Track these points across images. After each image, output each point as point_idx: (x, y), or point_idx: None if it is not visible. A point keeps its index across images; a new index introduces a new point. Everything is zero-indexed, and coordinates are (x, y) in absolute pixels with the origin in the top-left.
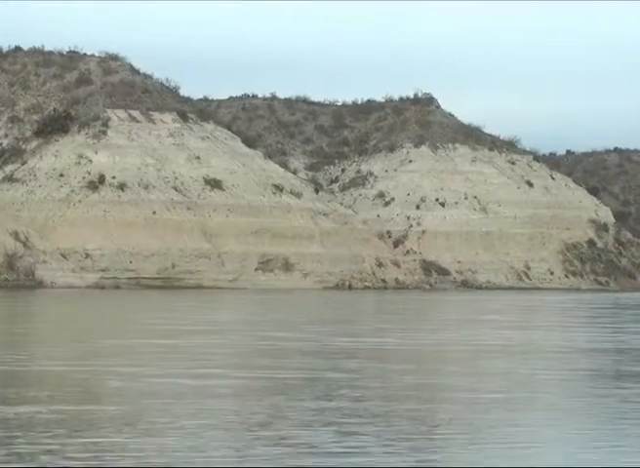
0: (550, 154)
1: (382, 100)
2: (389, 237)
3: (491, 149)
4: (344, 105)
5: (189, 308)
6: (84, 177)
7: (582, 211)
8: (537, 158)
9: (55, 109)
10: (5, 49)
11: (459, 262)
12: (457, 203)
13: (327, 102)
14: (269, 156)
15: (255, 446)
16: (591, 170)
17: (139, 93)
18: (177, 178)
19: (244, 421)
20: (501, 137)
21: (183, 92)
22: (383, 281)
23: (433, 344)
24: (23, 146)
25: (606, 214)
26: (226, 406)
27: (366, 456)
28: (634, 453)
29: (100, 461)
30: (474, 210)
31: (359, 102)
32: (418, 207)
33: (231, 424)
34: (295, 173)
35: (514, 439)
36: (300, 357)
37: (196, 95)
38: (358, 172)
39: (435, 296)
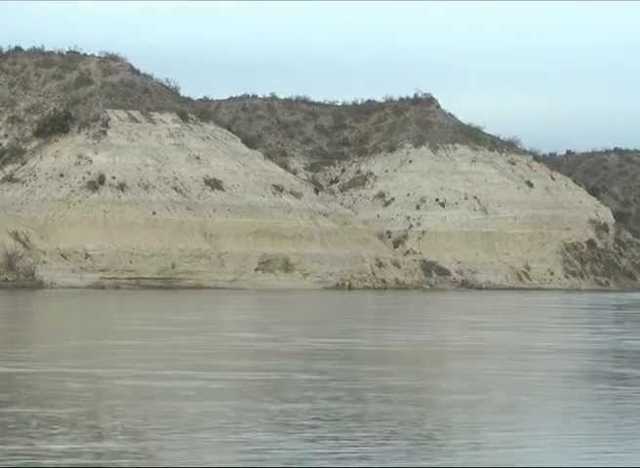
0: (550, 154)
1: (382, 101)
2: (389, 237)
3: (491, 149)
4: (344, 106)
5: (178, 308)
6: (84, 178)
7: (582, 211)
8: (537, 158)
9: (55, 109)
10: (5, 49)
11: (459, 263)
12: (457, 203)
13: (327, 103)
14: (269, 156)
15: (213, 450)
16: (591, 170)
17: (138, 93)
18: (177, 179)
19: (204, 424)
20: (501, 138)
21: (183, 92)
22: (383, 281)
23: (408, 345)
24: (23, 146)
25: (606, 215)
26: (188, 408)
27: (338, 461)
28: (621, 455)
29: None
30: (474, 210)
31: (359, 103)
32: (418, 207)
33: (189, 427)
34: (295, 173)
35: (489, 440)
36: (272, 358)
37: (196, 95)
38: (358, 172)
39: (432, 297)
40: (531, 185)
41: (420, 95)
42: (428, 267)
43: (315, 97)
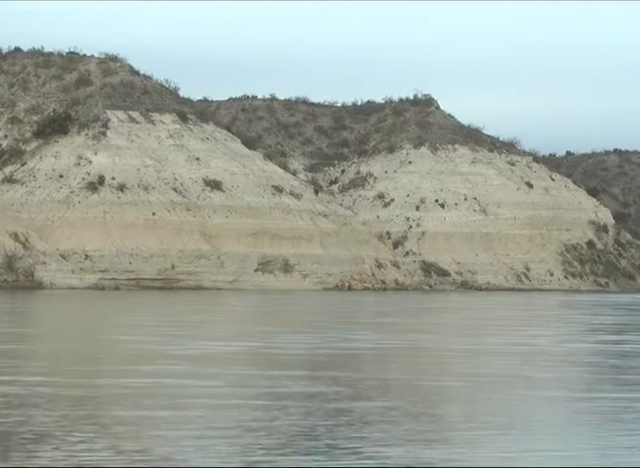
0: (550, 155)
1: (382, 101)
2: (389, 238)
3: (490, 150)
4: (344, 106)
5: (136, 311)
6: (83, 178)
7: (582, 212)
8: (536, 159)
9: (54, 110)
10: (5, 50)
11: (458, 263)
12: (456, 204)
13: (326, 103)
14: (269, 157)
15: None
16: (591, 171)
17: (138, 94)
18: (176, 180)
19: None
20: (501, 139)
21: (183, 93)
22: (383, 282)
23: (312, 348)
24: (23, 147)
25: (605, 216)
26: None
27: None
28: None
29: None
30: (474, 211)
31: (359, 103)
32: (417, 208)
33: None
34: (294, 174)
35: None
36: (162, 362)
37: (196, 96)
38: (358, 173)
39: (426, 298)
40: (530, 186)
41: (419, 95)
42: (428, 268)
43: (315, 98)
